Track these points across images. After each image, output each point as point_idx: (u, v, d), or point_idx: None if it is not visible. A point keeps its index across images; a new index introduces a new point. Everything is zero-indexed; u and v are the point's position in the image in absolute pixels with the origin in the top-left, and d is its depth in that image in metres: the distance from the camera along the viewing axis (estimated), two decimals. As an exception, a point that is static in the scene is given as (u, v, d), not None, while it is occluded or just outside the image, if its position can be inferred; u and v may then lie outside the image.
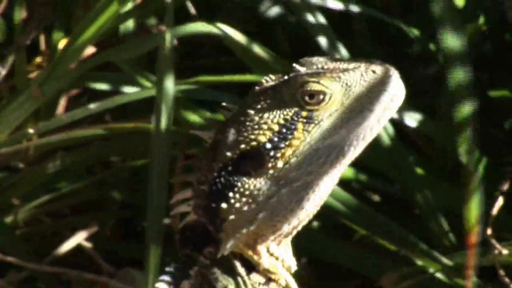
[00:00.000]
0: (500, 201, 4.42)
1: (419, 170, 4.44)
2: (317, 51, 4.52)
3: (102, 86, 5.09)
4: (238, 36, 4.83)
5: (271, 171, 3.29)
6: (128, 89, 4.99)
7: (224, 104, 3.42)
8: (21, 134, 4.94)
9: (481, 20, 5.00)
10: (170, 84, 4.67)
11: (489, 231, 4.27)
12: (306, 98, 3.30)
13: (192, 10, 5.22)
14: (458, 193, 4.36)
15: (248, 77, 4.68)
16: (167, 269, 3.40)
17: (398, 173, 4.56)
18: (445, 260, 4.33)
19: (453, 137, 4.45)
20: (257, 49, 4.79)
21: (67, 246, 4.93)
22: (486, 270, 4.34)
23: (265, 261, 3.43)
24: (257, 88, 3.43)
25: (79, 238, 4.95)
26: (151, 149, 4.62)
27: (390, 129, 4.27)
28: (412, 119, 4.47)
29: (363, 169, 3.83)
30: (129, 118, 4.91)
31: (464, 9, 5.00)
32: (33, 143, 4.92)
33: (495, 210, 4.40)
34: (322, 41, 4.62)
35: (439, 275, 4.33)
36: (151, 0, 4.87)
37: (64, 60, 4.93)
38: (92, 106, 4.95)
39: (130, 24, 5.10)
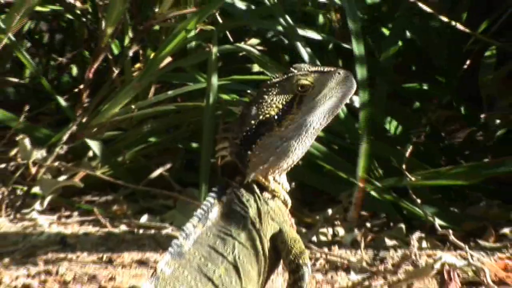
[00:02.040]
0: (410, 149, 4.31)
1: (360, 132, 4.25)
2: (301, 60, 4.43)
3: (175, 81, 4.98)
4: (255, 52, 4.75)
5: (277, 133, 3.21)
6: (190, 83, 4.86)
7: (248, 91, 3.43)
8: (127, 109, 4.85)
9: (400, 43, 4.87)
10: (215, 80, 4.58)
11: (404, 167, 4.11)
12: (299, 88, 3.23)
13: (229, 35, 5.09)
14: (383, 145, 4.27)
15: (262, 77, 4.60)
16: (213, 189, 3.25)
17: (348, 133, 4.49)
18: (376, 183, 4.19)
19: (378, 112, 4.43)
20: (266, 60, 4.72)
21: (154, 174, 4.81)
22: (402, 191, 4.20)
23: (272, 185, 3.31)
24: (268, 82, 3.30)
25: (161, 170, 4.82)
26: (203, 118, 4.53)
27: (344, 108, 4.14)
28: (357, 102, 4.32)
29: (328, 130, 3.68)
30: (191, 99, 4.81)
31: (389, 36, 4.95)
32: (134, 114, 4.82)
33: (407, 155, 4.25)
34: (305, 54, 4.49)
35: (373, 192, 4.17)
36: (205, 30, 4.77)
37: (153, 65, 4.86)
38: (169, 92, 4.88)
39: (192, 44, 4.95)
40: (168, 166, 4.83)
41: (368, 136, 4.12)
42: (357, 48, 4.30)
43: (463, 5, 4.90)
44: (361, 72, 4.15)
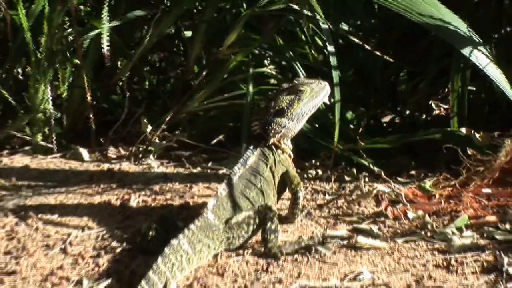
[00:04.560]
0: (361, 129, 4.20)
1: (332, 118, 4.04)
2: (299, 76, 4.21)
3: (228, 88, 4.69)
4: (273, 72, 4.61)
5: (286, 116, 3.13)
6: (237, 90, 4.61)
7: (269, 93, 3.32)
8: (202, 103, 4.61)
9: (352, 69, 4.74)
10: (251, 88, 4.40)
11: (358, 138, 3.98)
12: (298, 91, 3.14)
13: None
14: (345, 125, 4.11)
15: (276, 87, 4.25)
16: (249, 148, 3.22)
17: (324, 118, 4.27)
18: (340, 146, 4.04)
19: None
20: (279, 76, 4.58)
21: (216, 140, 4.62)
22: (355, 151, 4.06)
23: (283, 146, 3.23)
24: (280, 88, 3.23)
25: (220, 137, 4.65)
26: (244, 109, 4.34)
27: (323, 103, 3.81)
28: (328, 100, 4.06)
29: (314, 116, 3.42)
30: (237, 99, 4.53)
31: (342, 63, 4.38)
32: (205, 106, 4.66)
33: (359, 131, 4.14)
34: (300, 73, 4.37)
35: (337, 150, 3.99)
36: (243, 59, 4.50)
37: (216, 80, 4.61)
38: (225, 95, 4.57)
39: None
40: (223, 135, 4.68)
41: (339, 121, 3.90)
42: (333, 69, 4.05)
43: (389, 43, 4.71)
44: (335, 82, 3.91)
